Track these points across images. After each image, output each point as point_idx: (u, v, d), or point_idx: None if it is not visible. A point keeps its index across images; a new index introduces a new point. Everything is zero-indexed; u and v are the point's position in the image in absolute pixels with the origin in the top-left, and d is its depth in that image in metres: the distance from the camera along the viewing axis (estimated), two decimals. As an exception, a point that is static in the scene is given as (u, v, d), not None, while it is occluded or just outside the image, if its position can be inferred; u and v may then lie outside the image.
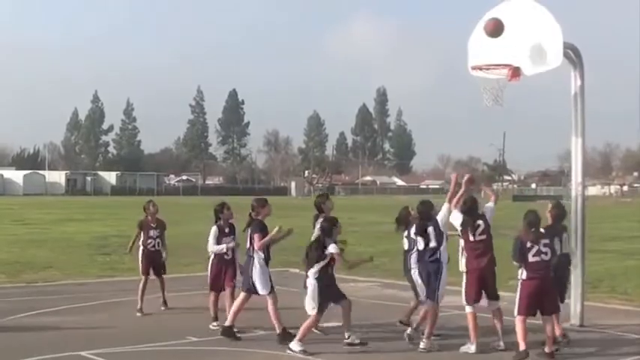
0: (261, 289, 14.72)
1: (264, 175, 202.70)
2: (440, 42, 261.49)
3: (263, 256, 14.74)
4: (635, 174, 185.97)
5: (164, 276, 18.11)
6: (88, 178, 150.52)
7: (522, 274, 13.34)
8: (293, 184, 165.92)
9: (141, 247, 17.75)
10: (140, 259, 17.76)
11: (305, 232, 15.81)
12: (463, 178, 14.85)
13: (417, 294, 15.17)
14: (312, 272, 13.89)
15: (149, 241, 17.67)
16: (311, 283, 13.91)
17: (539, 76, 16.28)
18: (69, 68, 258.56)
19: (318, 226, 15.02)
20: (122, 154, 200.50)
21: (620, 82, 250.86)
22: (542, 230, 13.83)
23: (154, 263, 17.75)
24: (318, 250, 13.94)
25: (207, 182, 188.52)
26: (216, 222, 15.94)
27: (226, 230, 15.83)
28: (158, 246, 17.76)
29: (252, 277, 14.76)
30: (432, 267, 14.33)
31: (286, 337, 14.34)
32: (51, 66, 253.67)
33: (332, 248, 13.90)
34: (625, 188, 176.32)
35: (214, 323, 15.70)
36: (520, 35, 16.01)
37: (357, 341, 14.05)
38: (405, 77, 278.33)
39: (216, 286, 15.92)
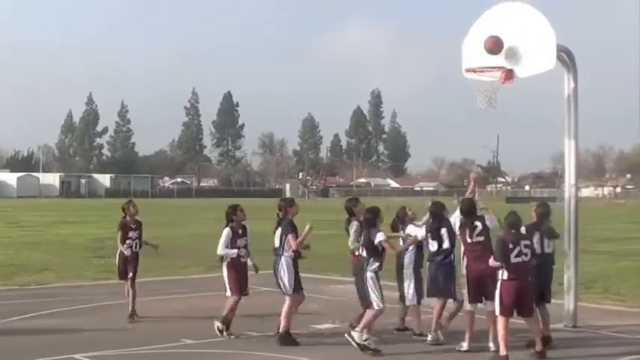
0: (286, 289, 14.71)
1: (259, 177, 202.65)
2: (434, 44, 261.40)
3: (293, 255, 14.69)
4: (628, 176, 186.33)
5: (138, 281, 17.52)
6: (82, 181, 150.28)
7: (503, 274, 13.36)
8: (287, 186, 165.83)
9: (119, 249, 17.37)
10: (117, 261, 17.45)
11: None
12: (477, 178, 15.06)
13: (402, 297, 15.27)
14: (372, 269, 13.94)
15: (127, 242, 17.20)
16: (371, 277, 13.93)
17: (533, 79, 16.34)
18: (65, 70, 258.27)
19: (352, 230, 15.14)
20: (116, 157, 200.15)
21: (614, 85, 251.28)
22: (523, 231, 14.04)
23: (130, 265, 17.21)
24: (370, 244, 13.97)
25: (201, 184, 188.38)
26: (227, 224, 15.45)
27: (239, 232, 15.41)
28: (136, 247, 17.27)
29: (280, 278, 14.73)
30: (446, 269, 14.50)
31: (286, 339, 14.40)
32: (47, 67, 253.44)
33: (380, 236, 13.94)
34: (618, 190, 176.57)
35: (230, 332, 15.14)
36: (514, 38, 16.08)
37: (372, 346, 13.92)
38: (399, 79, 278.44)
39: (240, 290, 15.29)
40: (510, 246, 13.33)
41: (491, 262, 13.50)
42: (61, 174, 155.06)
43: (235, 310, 15.24)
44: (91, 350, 13.92)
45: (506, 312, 13.27)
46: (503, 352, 13.15)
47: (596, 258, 29.05)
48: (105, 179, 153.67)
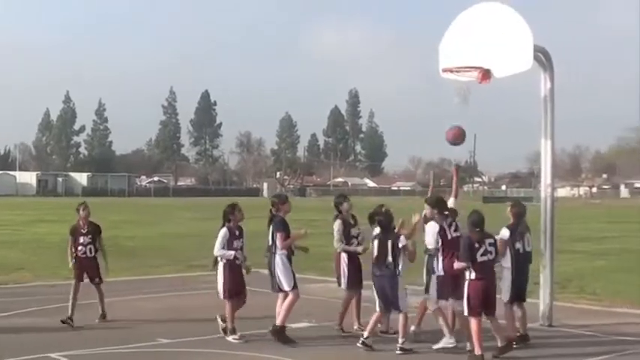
0: (284, 286, 14.60)
1: (237, 177, 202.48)
2: (412, 44, 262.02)
3: (286, 252, 14.61)
4: (604, 176, 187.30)
5: (103, 283, 17.07)
6: (59, 179, 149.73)
7: (471, 274, 13.34)
8: (265, 185, 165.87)
9: (74, 254, 16.79)
10: (73, 265, 16.86)
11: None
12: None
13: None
14: (401, 274, 13.94)
15: (80, 247, 16.61)
16: (401, 281, 13.96)
17: (510, 79, 16.37)
18: (43, 68, 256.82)
19: (335, 229, 15.27)
20: (93, 155, 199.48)
21: (592, 85, 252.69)
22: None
23: (88, 271, 16.73)
24: (396, 251, 13.92)
25: (179, 183, 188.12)
26: (224, 224, 14.99)
27: (236, 233, 14.98)
28: (90, 252, 16.63)
29: (277, 276, 14.63)
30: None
31: (282, 334, 14.39)
32: (24, 65, 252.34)
33: (404, 240, 13.96)
34: (594, 190, 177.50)
35: (235, 336, 14.77)
36: (491, 38, 16.13)
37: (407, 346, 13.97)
38: (377, 79, 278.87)
39: (234, 294, 14.85)
40: (476, 245, 13.36)
41: (457, 265, 13.50)
42: (38, 172, 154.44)
43: (234, 314, 14.93)
44: (68, 349, 13.88)
45: (474, 312, 13.27)
46: (478, 351, 13.17)
47: (572, 257, 29.19)
48: (82, 178, 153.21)
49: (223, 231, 14.86)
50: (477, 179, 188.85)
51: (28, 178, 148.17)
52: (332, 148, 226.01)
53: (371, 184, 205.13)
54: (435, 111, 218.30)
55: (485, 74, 16.04)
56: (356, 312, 15.61)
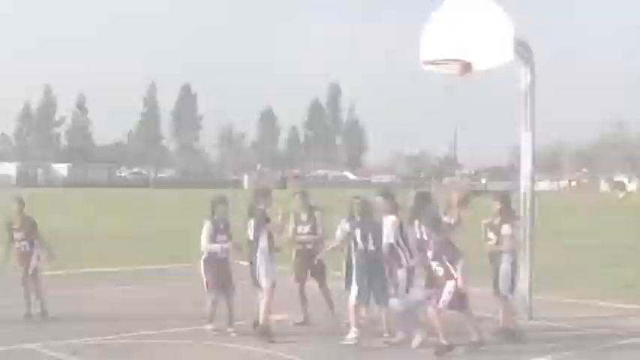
0: (262, 282, 14.39)
1: (217, 169, 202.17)
2: (393, 37, 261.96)
3: (269, 247, 14.44)
4: (584, 170, 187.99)
5: (43, 277, 16.71)
6: (40, 170, 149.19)
7: (457, 271, 13.23)
8: (246, 178, 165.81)
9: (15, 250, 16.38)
10: (16, 260, 16.45)
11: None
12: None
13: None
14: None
15: (16, 244, 16.23)
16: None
17: (491, 72, 16.38)
18: (23, 59, 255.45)
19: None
20: (74, 146, 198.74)
21: (572, 81, 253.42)
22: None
23: (26, 262, 16.18)
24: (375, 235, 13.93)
25: (159, 175, 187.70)
26: (210, 217, 14.76)
27: (221, 226, 14.74)
28: (25, 248, 16.19)
29: (257, 270, 14.42)
30: None
31: (266, 332, 14.26)
32: (5, 56, 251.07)
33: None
34: (574, 184, 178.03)
35: (210, 326, 14.75)
36: (472, 30, 16.14)
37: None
38: (358, 72, 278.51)
39: (216, 288, 14.71)
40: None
41: (462, 273, 13.27)
42: (18, 163, 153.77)
43: (216, 307, 14.82)
44: (45, 340, 13.88)
45: (449, 307, 13.27)
46: (445, 341, 13.19)
47: (551, 251, 29.26)
48: (62, 169, 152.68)
49: (207, 225, 14.64)
50: (458, 172, 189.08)
51: (8, 168, 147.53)
52: (312, 140, 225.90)
53: (351, 176, 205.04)
54: (416, 104, 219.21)
55: (466, 67, 16.07)
56: (327, 304, 15.74)
